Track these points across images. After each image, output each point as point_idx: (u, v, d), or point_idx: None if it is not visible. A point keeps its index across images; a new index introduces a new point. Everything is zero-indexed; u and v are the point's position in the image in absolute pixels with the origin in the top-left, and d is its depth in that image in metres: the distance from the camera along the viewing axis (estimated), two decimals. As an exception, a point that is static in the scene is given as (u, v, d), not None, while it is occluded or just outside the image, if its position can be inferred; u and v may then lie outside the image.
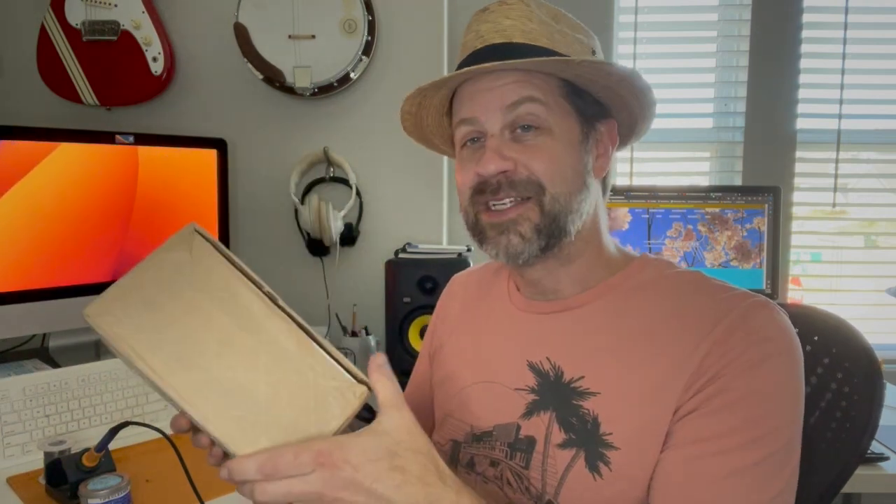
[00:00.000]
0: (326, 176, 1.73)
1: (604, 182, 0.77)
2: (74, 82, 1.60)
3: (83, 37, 1.58)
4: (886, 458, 1.17)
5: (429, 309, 1.46)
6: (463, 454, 0.77)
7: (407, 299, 1.48)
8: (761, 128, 1.83)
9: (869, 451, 1.09)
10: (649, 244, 1.65)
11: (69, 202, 1.33)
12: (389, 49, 1.70)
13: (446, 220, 1.79)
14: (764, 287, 1.64)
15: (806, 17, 1.79)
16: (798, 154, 1.83)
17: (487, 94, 0.70)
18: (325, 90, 1.64)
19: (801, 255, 1.90)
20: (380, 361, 0.56)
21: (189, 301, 0.53)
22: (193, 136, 1.54)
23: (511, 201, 0.70)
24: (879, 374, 0.85)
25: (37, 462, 1.04)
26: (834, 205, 1.84)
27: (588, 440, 0.66)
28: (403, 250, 1.59)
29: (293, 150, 1.72)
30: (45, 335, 1.44)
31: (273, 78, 1.61)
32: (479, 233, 0.73)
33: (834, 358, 0.89)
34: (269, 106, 1.72)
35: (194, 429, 0.58)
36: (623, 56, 1.83)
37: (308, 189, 1.73)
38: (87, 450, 0.93)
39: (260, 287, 0.55)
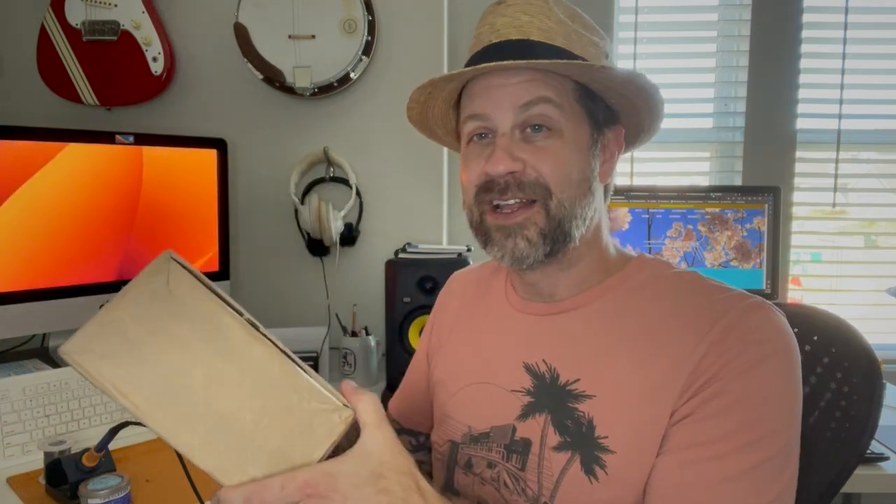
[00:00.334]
0: (326, 176, 1.73)
1: (605, 186, 0.77)
2: (74, 82, 1.60)
3: (83, 37, 1.58)
4: (886, 458, 1.17)
5: (429, 309, 1.45)
6: (461, 455, 0.77)
7: (407, 299, 1.48)
8: (761, 128, 1.83)
9: (868, 451, 1.09)
10: (649, 244, 1.65)
11: (74, 202, 1.33)
12: (389, 49, 1.70)
13: (446, 220, 1.79)
14: (764, 287, 1.64)
15: (806, 17, 1.79)
16: (798, 154, 1.83)
17: (500, 90, 0.69)
18: (325, 90, 1.64)
19: (801, 255, 1.90)
20: (353, 385, 0.55)
21: (169, 334, 0.52)
22: (193, 136, 1.54)
23: (517, 202, 0.69)
24: (879, 374, 0.85)
25: (37, 462, 1.04)
26: (834, 205, 1.84)
27: (583, 443, 0.66)
28: (403, 250, 1.59)
29: (293, 150, 1.72)
30: (45, 335, 1.44)
31: (273, 78, 1.61)
32: (483, 233, 0.73)
33: (833, 358, 0.89)
34: (269, 106, 1.72)
35: None
36: (623, 56, 1.83)
37: (308, 189, 1.73)
38: (87, 450, 0.93)
39: (240, 314, 0.54)
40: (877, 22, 1.82)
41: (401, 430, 0.95)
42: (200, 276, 0.55)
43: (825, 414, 0.88)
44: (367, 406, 0.54)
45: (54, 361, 1.36)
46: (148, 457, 1.08)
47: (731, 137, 1.87)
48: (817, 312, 0.93)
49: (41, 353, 1.42)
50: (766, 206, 1.64)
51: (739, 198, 1.65)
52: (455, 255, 1.53)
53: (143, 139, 1.42)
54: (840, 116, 1.81)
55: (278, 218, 1.74)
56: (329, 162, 1.72)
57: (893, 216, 1.88)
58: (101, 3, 1.58)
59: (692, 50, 1.87)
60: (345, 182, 1.72)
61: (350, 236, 1.71)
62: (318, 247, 1.70)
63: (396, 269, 1.50)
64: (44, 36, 1.58)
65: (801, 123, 1.83)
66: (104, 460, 0.95)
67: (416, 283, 1.47)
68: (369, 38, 1.63)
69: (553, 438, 0.68)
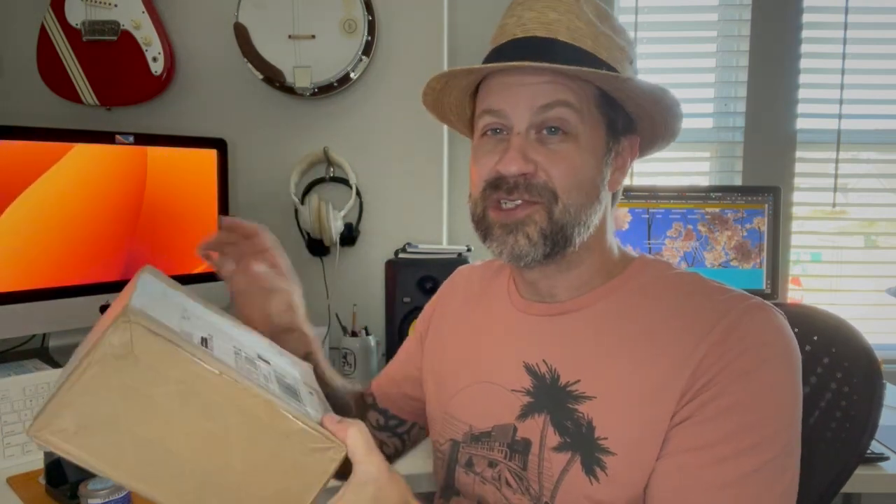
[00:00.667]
0: (326, 176, 1.73)
1: (614, 192, 0.76)
2: (74, 82, 1.60)
3: (83, 37, 1.58)
4: (886, 458, 1.16)
5: (429, 309, 1.46)
6: (461, 454, 0.77)
7: (407, 299, 1.48)
8: (761, 128, 1.82)
9: (869, 451, 1.09)
10: (649, 244, 1.65)
11: (80, 203, 1.33)
12: (389, 49, 1.70)
13: (446, 220, 1.79)
14: (764, 287, 1.64)
15: (806, 17, 1.79)
16: (798, 154, 1.83)
17: (520, 89, 0.67)
18: (325, 90, 1.64)
19: (801, 255, 1.90)
20: (335, 417, 0.55)
21: (144, 401, 0.49)
22: (193, 136, 1.54)
23: (521, 201, 0.68)
24: (879, 374, 0.85)
25: (37, 462, 1.04)
26: (834, 205, 1.84)
27: (583, 444, 0.66)
28: (403, 250, 1.59)
29: (293, 150, 1.72)
30: (45, 335, 1.44)
31: (273, 78, 1.61)
32: (484, 228, 0.72)
33: (834, 358, 0.89)
34: (269, 106, 1.72)
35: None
36: (623, 56, 1.83)
37: (308, 189, 1.73)
38: (87, 450, 0.93)
39: (208, 354, 0.51)
40: (877, 22, 1.82)
41: (373, 406, 0.95)
42: (165, 327, 0.49)
43: (825, 414, 0.88)
44: (356, 438, 0.54)
45: (54, 361, 1.36)
46: (148, 457, 1.08)
47: (731, 137, 1.87)
48: (817, 312, 0.93)
49: (41, 353, 1.42)
50: (766, 206, 1.64)
51: (739, 198, 1.65)
52: (455, 255, 1.53)
53: (143, 139, 1.42)
54: (840, 116, 1.81)
55: (278, 218, 1.74)
56: (329, 162, 1.72)
57: (893, 216, 1.88)
58: (101, 3, 1.58)
59: (692, 50, 1.87)
60: (345, 182, 1.72)
61: (350, 236, 1.71)
62: (318, 247, 1.70)
63: (396, 269, 1.50)
64: (44, 36, 1.58)
65: (801, 123, 1.83)
66: (104, 460, 0.95)
67: (416, 283, 1.47)
68: (369, 38, 1.63)
69: (553, 439, 0.68)
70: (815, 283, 1.91)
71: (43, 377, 1.11)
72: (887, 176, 1.88)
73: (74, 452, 0.48)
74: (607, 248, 0.75)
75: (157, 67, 1.63)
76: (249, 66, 1.61)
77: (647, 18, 1.84)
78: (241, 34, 1.60)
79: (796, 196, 1.84)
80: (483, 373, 0.78)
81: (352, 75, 1.64)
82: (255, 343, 0.65)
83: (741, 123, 1.84)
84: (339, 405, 0.87)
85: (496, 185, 0.69)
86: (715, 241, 1.65)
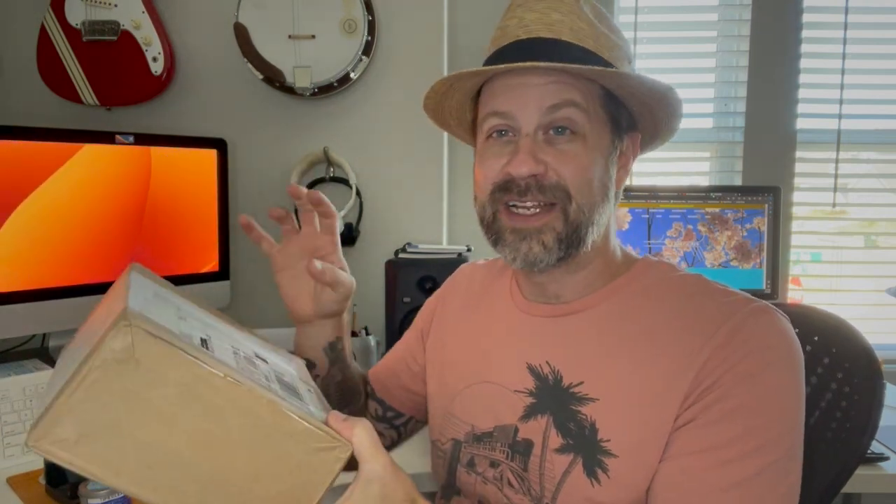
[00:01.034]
0: (326, 176, 1.73)
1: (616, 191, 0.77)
2: (74, 82, 1.60)
3: (83, 37, 1.58)
4: (886, 458, 1.17)
5: (429, 309, 1.46)
6: (463, 453, 0.77)
7: (407, 299, 1.48)
8: (761, 128, 1.83)
9: (869, 452, 1.09)
10: (649, 244, 1.65)
11: (85, 204, 1.33)
12: (389, 49, 1.70)
13: (446, 220, 1.78)
14: (764, 287, 1.64)
15: (806, 17, 1.79)
16: (798, 154, 1.83)
17: (527, 90, 0.67)
18: (325, 90, 1.64)
19: (801, 255, 1.90)
20: (340, 416, 0.55)
21: (145, 405, 0.48)
22: (193, 136, 1.54)
23: (536, 206, 0.68)
24: (879, 374, 0.85)
25: (37, 462, 1.04)
26: (834, 205, 1.84)
27: (586, 446, 0.66)
28: (403, 250, 1.59)
29: (293, 150, 1.72)
30: (45, 335, 1.44)
31: (273, 78, 1.61)
32: (495, 232, 0.71)
33: (834, 358, 0.89)
34: (269, 106, 1.72)
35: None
36: (623, 56, 1.83)
37: (308, 189, 1.73)
38: (87, 450, 0.93)
39: (209, 356, 0.50)
40: (877, 22, 1.82)
41: (371, 395, 0.95)
42: (164, 329, 0.49)
43: (826, 414, 0.88)
44: (362, 437, 0.54)
45: (54, 361, 1.36)
46: (148, 457, 1.08)
47: (731, 137, 1.87)
48: (817, 313, 0.93)
49: (41, 353, 1.42)
50: (766, 206, 1.64)
51: (739, 198, 1.65)
52: (455, 255, 1.53)
53: (144, 139, 1.42)
54: (840, 116, 1.81)
55: (278, 218, 1.74)
56: (329, 162, 1.72)
57: (893, 216, 1.88)
58: (101, 3, 1.58)
59: (692, 50, 1.87)
60: (345, 182, 1.72)
61: (350, 236, 1.71)
62: (318, 247, 1.70)
63: (396, 269, 1.50)
64: (44, 36, 1.58)
65: (801, 123, 1.83)
66: (104, 460, 0.95)
67: (416, 283, 1.47)
68: (369, 38, 1.63)
69: (555, 440, 0.68)
70: (815, 284, 1.91)
71: (43, 377, 1.11)
72: (887, 176, 1.89)
73: (76, 462, 0.47)
74: (611, 249, 0.75)
75: (157, 67, 1.63)
76: (249, 66, 1.61)
77: (647, 18, 1.84)
78: (241, 34, 1.60)
79: (796, 196, 1.85)
80: (485, 373, 0.78)
81: (352, 75, 1.64)
82: (248, 341, 0.65)
83: (741, 123, 1.84)
84: (353, 391, 0.89)
85: (506, 187, 0.69)
86: (715, 241, 1.65)
